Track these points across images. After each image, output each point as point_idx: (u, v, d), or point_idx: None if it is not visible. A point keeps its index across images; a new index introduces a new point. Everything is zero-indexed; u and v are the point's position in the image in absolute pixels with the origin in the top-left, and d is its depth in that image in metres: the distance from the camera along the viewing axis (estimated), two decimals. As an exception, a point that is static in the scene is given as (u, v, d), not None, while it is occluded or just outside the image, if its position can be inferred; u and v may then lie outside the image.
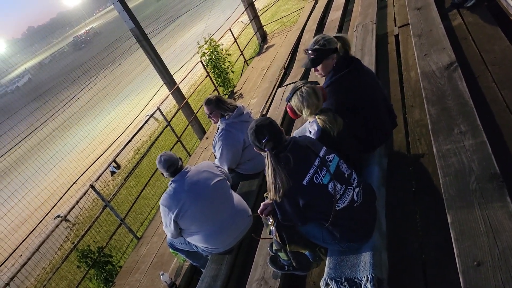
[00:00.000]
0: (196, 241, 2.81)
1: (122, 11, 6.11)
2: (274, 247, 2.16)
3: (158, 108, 6.22)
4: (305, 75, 5.26)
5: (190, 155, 6.59)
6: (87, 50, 50.95)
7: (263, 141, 1.82)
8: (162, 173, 2.75)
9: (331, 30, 6.01)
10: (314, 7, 8.53)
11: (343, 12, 6.58)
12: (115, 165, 8.78)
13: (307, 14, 8.46)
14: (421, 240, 2.17)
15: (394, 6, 5.21)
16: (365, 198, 1.89)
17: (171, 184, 2.71)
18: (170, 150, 6.56)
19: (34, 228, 5.47)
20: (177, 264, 3.44)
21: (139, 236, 4.76)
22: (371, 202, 1.97)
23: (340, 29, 6.03)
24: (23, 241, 4.84)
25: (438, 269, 2.00)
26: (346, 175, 1.87)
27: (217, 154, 3.32)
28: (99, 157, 7.86)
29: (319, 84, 2.13)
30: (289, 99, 2.11)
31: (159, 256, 4.12)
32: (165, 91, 7.48)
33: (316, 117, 2.03)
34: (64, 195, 6.43)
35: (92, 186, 4.49)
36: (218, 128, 3.33)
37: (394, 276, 1.99)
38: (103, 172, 5.57)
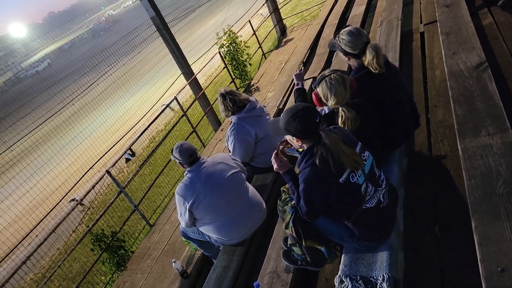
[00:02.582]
0: (209, 231, 2.82)
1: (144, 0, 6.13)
2: (289, 242, 2.14)
3: (175, 98, 6.24)
4: (325, 70, 5.18)
5: (204, 146, 6.61)
6: (106, 38, 51.56)
7: (317, 121, 1.68)
8: (179, 163, 2.75)
9: (353, 25, 5.87)
10: (336, 1, 8.38)
11: (367, 7, 6.44)
12: (130, 153, 8.82)
13: (328, 8, 8.32)
14: (440, 242, 2.12)
15: (420, 2, 5.07)
16: (390, 199, 1.84)
17: (187, 174, 2.72)
18: (185, 140, 6.63)
19: (51, 210, 5.59)
20: (189, 252, 3.46)
21: (152, 224, 4.82)
22: (395, 204, 1.91)
23: (363, 24, 5.91)
24: (39, 222, 4.96)
25: (456, 273, 1.95)
26: (377, 176, 1.81)
27: (230, 148, 3.33)
28: (115, 143, 7.96)
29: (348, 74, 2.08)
30: (316, 86, 2.06)
31: (171, 243, 4.16)
32: (182, 81, 7.50)
33: (341, 109, 1.97)
34: (80, 179, 6.55)
35: (108, 172, 4.54)
36: (231, 122, 3.32)
37: (410, 277, 1.95)
38: (119, 158, 5.65)
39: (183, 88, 6.99)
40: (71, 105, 11.31)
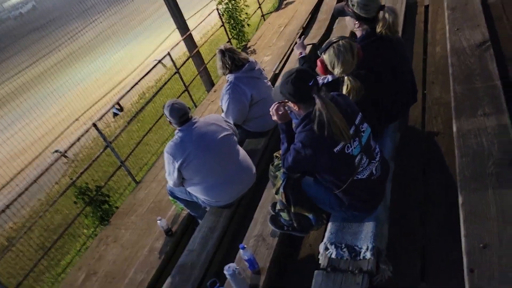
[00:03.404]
0: (197, 192, 2.81)
1: None
2: (277, 207, 2.15)
3: (168, 54, 6.02)
4: (325, 37, 5.03)
5: (196, 106, 6.50)
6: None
7: (310, 84, 1.62)
8: (169, 121, 2.69)
9: (357, -8, 5.68)
10: (341, -35, 8.04)
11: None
12: (118, 107, 8.64)
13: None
14: (424, 217, 2.17)
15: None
16: (382, 172, 1.85)
17: (178, 133, 2.67)
18: (177, 99, 6.49)
19: (33, 160, 5.49)
20: (174, 212, 3.48)
21: (138, 181, 4.80)
22: (385, 177, 1.93)
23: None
24: (20, 171, 4.87)
25: (438, 247, 2.01)
26: (372, 148, 1.79)
27: (224, 108, 3.26)
28: (103, 96, 7.75)
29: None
30: (322, 52, 1.98)
31: (157, 202, 4.17)
32: (176, 36, 7.21)
33: (346, 78, 1.92)
34: (64, 131, 6.41)
35: (94, 125, 4.43)
36: (227, 81, 3.24)
37: (392, 249, 2.01)
38: (107, 112, 5.50)
39: (177, 44, 6.73)
40: (56, 52, 10.85)
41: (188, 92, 6.51)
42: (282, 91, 1.70)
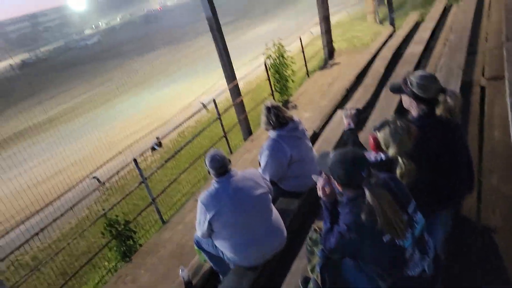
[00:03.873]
0: (224, 247, 2.71)
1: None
2: (310, 286, 1.99)
3: (214, 101, 6.23)
4: (371, 102, 5.00)
5: (231, 153, 6.55)
6: (156, 25, 53.23)
7: (362, 173, 1.53)
8: (208, 170, 2.68)
9: (407, 63, 5.71)
10: (391, 35, 8.21)
11: (425, 47, 6.24)
12: (158, 143, 8.95)
13: (382, 40, 8.17)
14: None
15: (485, 55, 4.82)
16: (435, 271, 1.66)
17: (215, 183, 2.64)
18: (214, 145, 6.58)
19: (71, 188, 5.65)
20: (197, 262, 3.36)
21: (165, 220, 4.76)
22: (438, 277, 1.73)
23: (418, 65, 5.71)
24: (60, 196, 5.00)
25: None
26: (425, 242, 1.64)
27: (262, 163, 3.23)
28: (146, 134, 8.04)
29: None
30: (377, 129, 1.92)
31: (180, 246, 4.09)
32: (222, 81, 7.50)
33: (401, 160, 1.82)
34: (105, 163, 6.60)
35: (135, 160, 4.54)
36: (269, 137, 3.23)
37: None
38: (146, 149, 5.67)
39: (222, 92, 6.98)
40: (110, 81, 11.61)
41: (226, 139, 6.60)
42: (332, 170, 1.62)
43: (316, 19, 9.55)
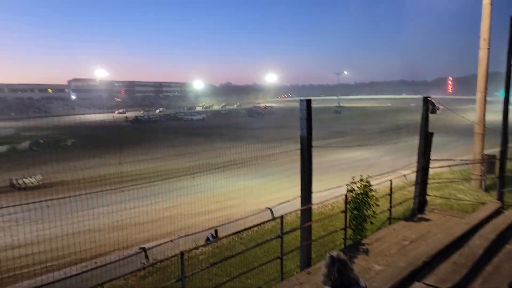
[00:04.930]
0: None
1: (303, 119, 6.34)
2: None
3: (281, 219, 5.91)
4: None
5: (282, 280, 5.91)
6: (256, 120, 57.99)
7: None
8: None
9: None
10: (497, 211, 7.23)
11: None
12: (214, 234, 8.72)
13: (486, 214, 7.20)
14: None
15: None
16: None
17: None
18: (268, 263, 6.08)
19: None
20: None
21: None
22: None
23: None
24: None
25: None
26: None
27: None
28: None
29: None
30: None
31: None
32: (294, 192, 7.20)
33: None
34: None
35: (181, 254, 4.29)
36: None
37: None
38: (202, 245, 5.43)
39: (290, 212, 6.65)
40: (198, 157, 12.27)
41: (282, 261, 6.04)
42: None
43: (414, 160, 9.07)
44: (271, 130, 37.78)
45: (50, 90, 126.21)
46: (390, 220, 8.33)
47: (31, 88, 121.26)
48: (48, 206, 8.06)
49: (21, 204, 7.49)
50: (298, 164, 6.53)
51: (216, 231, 8.77)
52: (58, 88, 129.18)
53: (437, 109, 8.63)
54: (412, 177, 10.60)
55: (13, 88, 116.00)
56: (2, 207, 7.79)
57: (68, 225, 8.22)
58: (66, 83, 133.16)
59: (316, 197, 7.10)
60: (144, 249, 7.47)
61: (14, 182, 17.73)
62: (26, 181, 17.77)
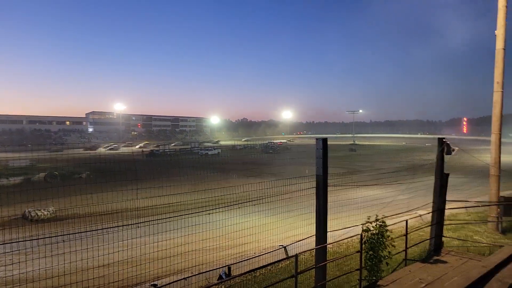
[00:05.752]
0: None
1: (320, 159, 6.54)
2: None
3: (296, 259, 5.94)
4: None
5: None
6: (271, 156, 58.25)
7: None
8: None
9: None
10: (518, 254, 7.07)
11: None
12: (227, 272, 8.67)
13: (503, 256, 7.04)
14: None
15: None
16: None
17: None
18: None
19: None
20: None
21: None
22: None
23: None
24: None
25: None
26: None
27: None
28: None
29: None
30: None
31: None
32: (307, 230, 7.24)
33: None
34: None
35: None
36: None
37: None
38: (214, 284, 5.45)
39: (306, 251, 6.65)
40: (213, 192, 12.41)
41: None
42: None
43: (430, 200, 9.02)
44: (286, 166, 37.88)
45: (68, 123, 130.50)
46: (406, 261, 8.19)
47: (49, 120, 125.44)
48: (59, 241, 8.24)
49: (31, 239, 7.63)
50: (312, 202, 6.64)
51: (229, 268, 8.74)
52: (76, 121, 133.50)
53: (452, 151, 8.71)
54: (428, 217, 10.50)
55: (31, 120, 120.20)
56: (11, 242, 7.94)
57: (78, 261, 8.33)
58: (84, 115, 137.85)
59: (330, 236, 7.12)
60: (155, 286, 7.50)
61: (27, 214, 18.07)
62: (39, 213, 18.13)
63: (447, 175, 8.79)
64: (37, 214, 18.24)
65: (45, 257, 8.29)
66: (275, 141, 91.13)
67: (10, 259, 9.33)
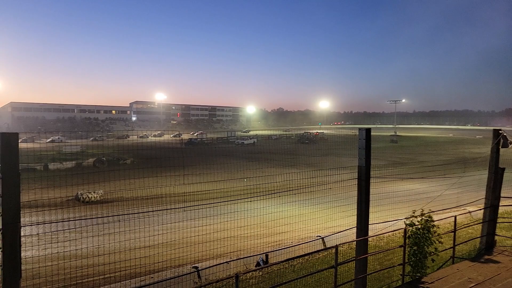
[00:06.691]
0: None
1: (362, 149, 6.28)
2: None
3: (336, 249, 5.79)
4: None
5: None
6: (306, 146, 57.58)
7: None
8: None
9: None
10: None
11: None
12: (264, 259, 8.70)
13: None
14: None
15: None
16: None
17: None
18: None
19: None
20: None
21: None
22: None
23: None
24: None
25: None
26: None
27: None
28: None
29: None
30: None
31: None
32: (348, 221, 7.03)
33: None
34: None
35: (236, 276, 4.38)
36: None
37: None
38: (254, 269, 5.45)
39: (345, 243, 6.47)
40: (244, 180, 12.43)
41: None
42: None
43: (481, 196, 8.43)
44: (322, 157, 37.32)
45: (114, 112, 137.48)
46: (453, 259, 7.73)
47: (97, 109, 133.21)
48: (109, 221, 8.68)
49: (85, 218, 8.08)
50: (350, 193, 6.40)
51: (266, 256, 8.76)
52: (121, 110, 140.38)
53: (510, 143, 8.03)
54: (478, 214, 9.86)
55: (82, 109, 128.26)
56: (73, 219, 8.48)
57: (126, 240, 8.72)
58: (128, 105, 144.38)
59: (370, 229, 6.87)
60: (196, 268, 7.68)
61: (79, 196, 19.82)
62: (90, 195, 19.82)
63: (503, 169, 8.14)
64: (88, 196, 19.84)
65: (98, 235, 8.79)
66: (311, 132, 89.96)
67: (66, 237, 9.99)
